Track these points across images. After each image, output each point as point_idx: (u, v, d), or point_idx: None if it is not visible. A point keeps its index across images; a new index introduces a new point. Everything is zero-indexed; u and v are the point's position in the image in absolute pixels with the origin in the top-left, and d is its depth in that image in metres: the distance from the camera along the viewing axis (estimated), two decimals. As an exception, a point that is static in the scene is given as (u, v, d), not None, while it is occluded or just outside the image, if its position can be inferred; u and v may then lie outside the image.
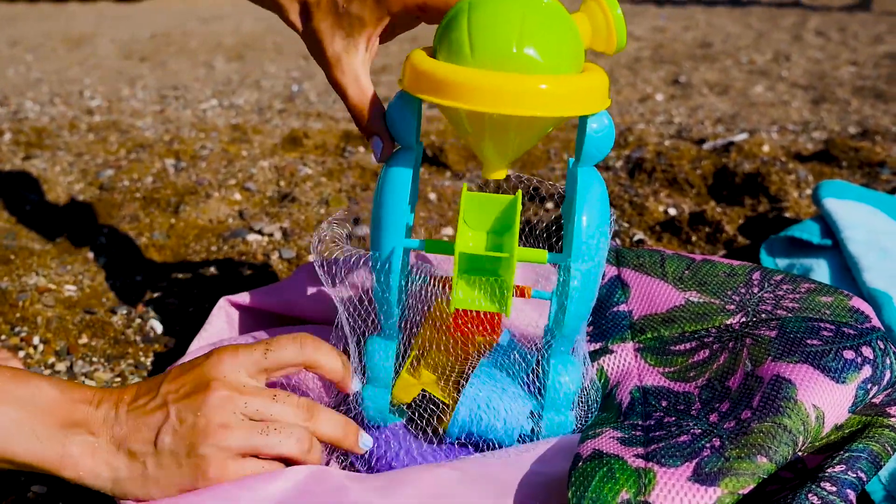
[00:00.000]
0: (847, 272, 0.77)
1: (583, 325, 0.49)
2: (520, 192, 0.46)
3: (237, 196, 1.13)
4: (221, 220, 1.04)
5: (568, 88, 0.40)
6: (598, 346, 0.55)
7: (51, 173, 1.23)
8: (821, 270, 0.78)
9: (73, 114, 1.73)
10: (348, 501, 0.41)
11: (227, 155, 1.34)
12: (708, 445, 0.41)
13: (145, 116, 1.70)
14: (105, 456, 0.43)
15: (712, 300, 0.56)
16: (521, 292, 0.49)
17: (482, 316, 0.50)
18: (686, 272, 0.60)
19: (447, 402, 0.50)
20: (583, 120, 0.46)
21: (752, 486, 0.39)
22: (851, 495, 0.42)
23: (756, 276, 0.59)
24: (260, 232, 0.99)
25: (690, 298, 0.56)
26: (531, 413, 0.49)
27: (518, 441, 0.49)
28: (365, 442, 0.48)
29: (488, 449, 0.49)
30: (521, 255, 0.47)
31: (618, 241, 0.94)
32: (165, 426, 0.43)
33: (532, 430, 0.49)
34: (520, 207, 0.45)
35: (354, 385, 0.50)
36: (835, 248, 0.80)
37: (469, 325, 0.50)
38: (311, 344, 0.47)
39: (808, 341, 0.49)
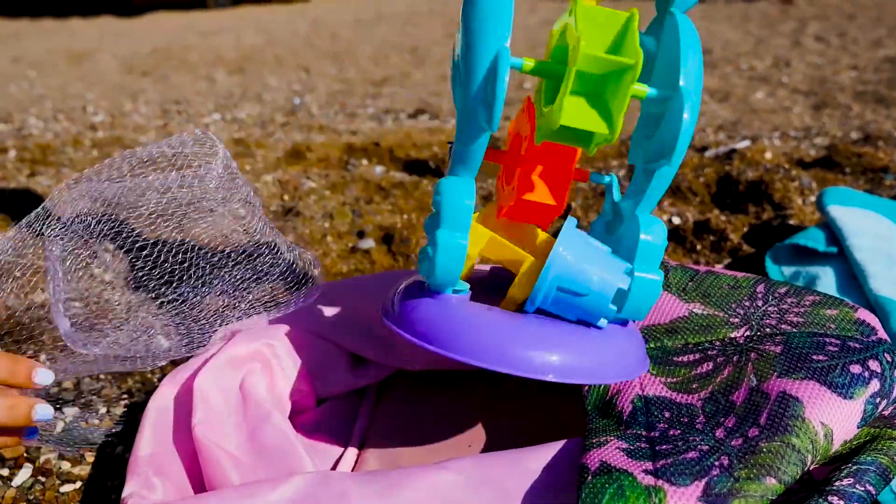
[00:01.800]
0: (853, 280, 0.77)
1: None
2: (636, 10, 0.43)
3: (241, 211, 1.13)
4: (226, 235, 1.04)
5: None
6: None
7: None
8: (827, 278, 0.78)
9: (76, 129, 1.73)
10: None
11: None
12: (717, 464, 0.41)
13: (148, 131, 1.70)
14: None
15: (716, 312, 0.56)
16: (581, 175, 0.49)
17: (551, 181, 0.48)
18: (689, 283, 0.60)
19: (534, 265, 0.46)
20: None
21: None
22: (860, 510, 0.42)
23: (760, 288, 0.58)
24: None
25: (694, 310, 0.56)
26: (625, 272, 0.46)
27: (612, 305, 0.46)
28: (42, 378, 0.47)
29: (570, 320, 0.47)
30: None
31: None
32: None
33: (627, 289, 0.46)
34: (637, 22, 0.42)
35: (40, 376, 0.47)
36: (840, 255, 0.80)
37: (534, 190, 0.48)
38: None
39: (814, 357, 0.48)
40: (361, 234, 1.03)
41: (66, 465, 0.60)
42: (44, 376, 0.47)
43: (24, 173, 1.35)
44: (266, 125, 1.77)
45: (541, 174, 0.50)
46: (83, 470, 0.60)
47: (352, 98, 2.11)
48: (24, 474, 0.59)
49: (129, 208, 0.61)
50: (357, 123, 1.78)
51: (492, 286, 0.52)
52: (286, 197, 1.20)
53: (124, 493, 0.48)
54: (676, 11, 0.45)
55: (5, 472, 0.60)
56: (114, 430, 0.64)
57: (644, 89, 0.43)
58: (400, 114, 1.89)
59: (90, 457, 0.61)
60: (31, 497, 0.57)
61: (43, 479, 0.59)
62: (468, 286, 0.49)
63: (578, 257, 0.46)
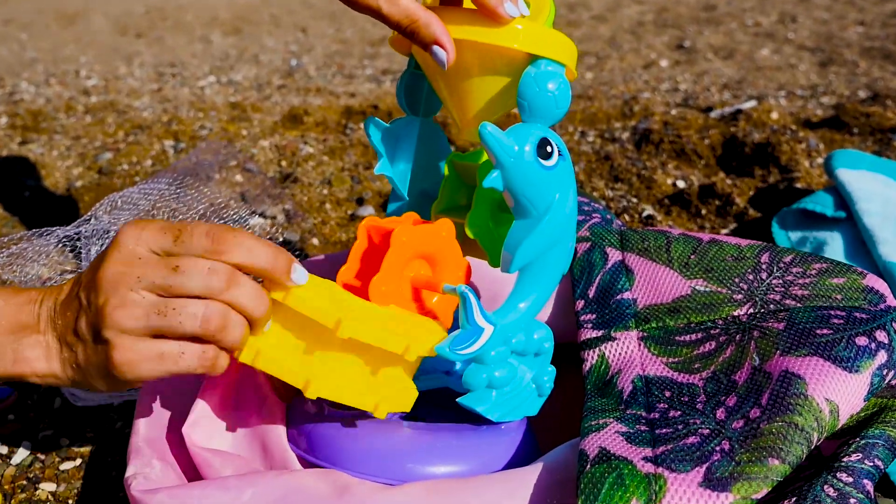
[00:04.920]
0: (862, 245, 0.75)
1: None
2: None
3: (238, 178, 1.11)
4: (223, 202, 1.02)
5: (540, 31, 0.45)
6: (600, 333, 0.54)
7: (48, 158, 1.22)
8: (835, 244, 0.77)
9: (69, 94, 1.71)
10: (352, 498, 0.41)
11: (226, 134, 1.32)
12: (717, 449, 0.40)
13: (142, 96, 1.68)
14: (56, 354, 0.43)
15: (719, 289, 0.54)
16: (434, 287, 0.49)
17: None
18: (692, 257, 0.58)
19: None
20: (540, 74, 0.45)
21: (765, 490, 0.38)
22: (868, 485, 0.41)
23: (765, 257, 0.57)
24: (262, 215, 0.98)
25: (697, 287, 0.55)
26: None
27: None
28: (298, 276, 0.43)
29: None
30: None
31: (626, 217, 0.93)
32: (80, 312, 0.41)
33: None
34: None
35: (298, 276, 0.43)
36: (849, 220, 0.78)
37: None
38: (229, 239, 0.41)
39: (818, 331, 0.47)
40: (361, 201, 1.02)
41: (65, 442, 0.60)
42: (300, 275, 0.43)
43: (16, 141, 1.33)
44: (263, 88, 1.74)
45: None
46: (83, 447, 0.59)
47: (350, 59, 2.08)
48: (22, 452, 0.59)
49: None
50: (355, 85, 1.75)
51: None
52: (284, 163, 1.18)
53: (127, 473, 0.47)
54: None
55: (4, 450, 0.59)
56: (113, 404, 0.63)
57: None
58: (398, 74, 1.86)
59: (89, 433, 0.61)
60: (31, 475, 0.56)
61: (42, 457, 0.58)
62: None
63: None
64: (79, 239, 0.60)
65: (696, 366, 0.49)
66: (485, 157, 0.52)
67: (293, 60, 2.06)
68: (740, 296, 0.53)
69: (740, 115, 1.27)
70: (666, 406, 0.46)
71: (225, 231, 0.42)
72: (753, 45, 1.98)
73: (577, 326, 0.56)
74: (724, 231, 0.89)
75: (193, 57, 2.14)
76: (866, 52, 1.82)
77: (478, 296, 0.46)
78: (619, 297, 0.57)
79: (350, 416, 0.48)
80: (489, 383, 0.46)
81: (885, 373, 0.46)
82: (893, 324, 0.48)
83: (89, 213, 0.64)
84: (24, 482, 0.56)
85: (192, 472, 0.47)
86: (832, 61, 1.75)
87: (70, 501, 0.54)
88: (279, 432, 0.49)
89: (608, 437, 0.43)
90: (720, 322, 0.52)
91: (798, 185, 0.97)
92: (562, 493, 0.41)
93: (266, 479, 0.42)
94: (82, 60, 2.12)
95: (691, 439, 0.42)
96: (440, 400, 0.53)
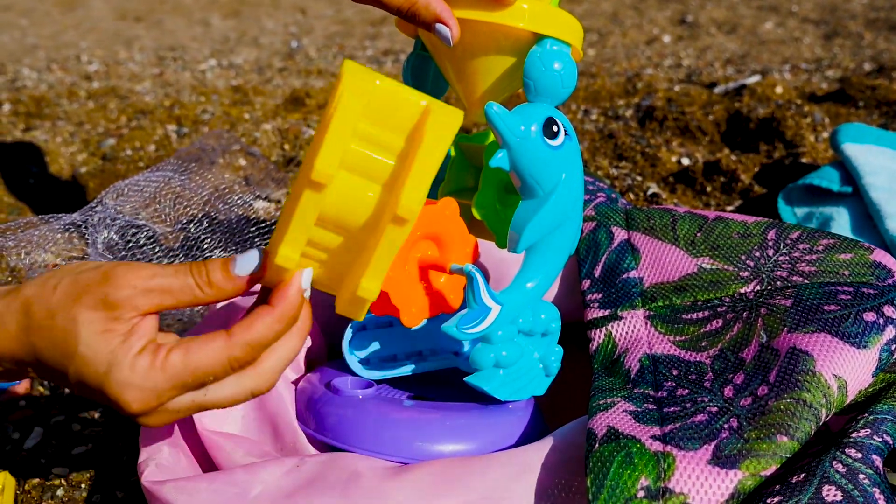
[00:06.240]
0: (869, 220, 0.75)
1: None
2: None
3: (242, 161, 1.11)
4: (227, 186, 1.02)
5: (545, 11, 0.44)
6: (606, 312, 0.54)
7: (52, 145, 1.22)
8: (841, 219, 0.76)
9: (71, 80, 1.70)
10: (359, 486, 0.41)
11: (229, 118, 1.32)
12: (726, 426, 0.41)
13: (144, 80, 1.67)
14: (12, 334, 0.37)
15: (726, 266, 0.54)
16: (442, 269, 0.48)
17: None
18: (698, 234, 0.58)
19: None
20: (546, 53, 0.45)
21: (774, 467, 0.39)
22: (878, 461, 0.42)
23: (771, 234, 0.56)
24: (266, 198, 0.98)
25: (703, 265, 0.55)
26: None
27: None
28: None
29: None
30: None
31: (631, 195, 0.93)
32: (71, 374, 0.36)
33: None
34: None
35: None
36: (855, 195, 0.78)
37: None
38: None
39: (826, 307, 0.47)
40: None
41: (76, 427, 0.61)
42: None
43: (20, 127, 1.33)
44: (263, 71, 1.74)
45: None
46: (94, 431, 0.60)
47: (350, 40, 2.06)
48: (35, 437, 0.59)
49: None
50: (356, 66, 1.74)
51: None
52: (287, 146, 1.18)
53: (140, 459, 0.47)
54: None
55: (17, 435, 0.60)
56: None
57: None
58: (400, 55, 1.84)
59: (100, 418, 0.61)
60: (43, 459, 0.57)
61: (54, 442, 0.59)
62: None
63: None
64: (86, 227, 0.61)
65: (703, 344, 0.49)
66: (491, 138, 0.52)
67: (293, 42, 2.05)
68: (747, 273, 0.53)
69: (744, 90, 1.26)
70: (674, 384, 0.46)
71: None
72: (756, 19, 1.96)
73: (583, 306, 0.56)
74: (730, 208, 0.89)
75: (193, 40, 2.13)
76: (871, 24, 1.80)
77: (485, 276, 0.46)
78: (625, 276, 0.57)
79: (359, 395, 0.49)
80: (496, 363, 0.46)
81: (893, 348, 0.46)
82: (901, 299, 0.48)
83: (95, 200, 0.64)
84: (37, 466, 0.56)
85: (203, 455, 0.47)
86: (837, 34, 1.74)
87: (82, 485, 0.55)
88: (288, 413, 0.49)
89: (616, 416, 0.43)
90: (727, 300, 0.52)
91: (804, 161, 0.96)
92: (570, 472, 0.41)
93: (274, 474, 0.42)
94: (83, 45, 2.11)
95: (699, 417, 0.42)
96: (448, 379, 0.53)
